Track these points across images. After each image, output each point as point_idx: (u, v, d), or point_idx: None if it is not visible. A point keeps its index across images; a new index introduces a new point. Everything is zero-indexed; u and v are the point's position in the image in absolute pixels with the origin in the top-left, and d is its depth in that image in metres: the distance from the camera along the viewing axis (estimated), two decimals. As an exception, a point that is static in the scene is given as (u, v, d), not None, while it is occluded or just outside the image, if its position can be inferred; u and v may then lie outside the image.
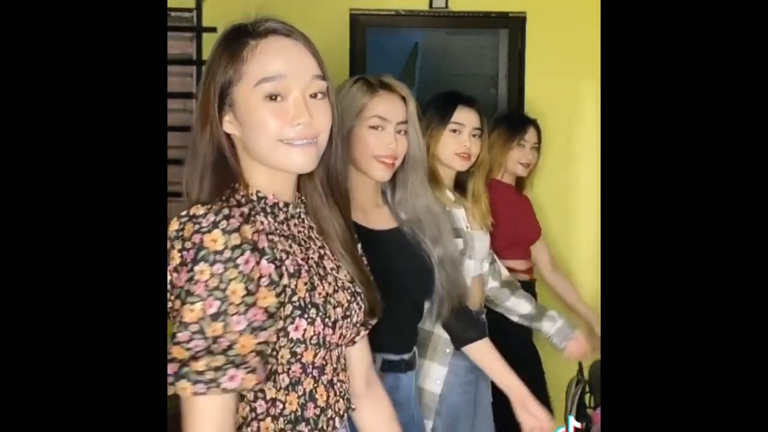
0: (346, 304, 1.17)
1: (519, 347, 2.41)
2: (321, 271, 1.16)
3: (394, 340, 1.71)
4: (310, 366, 1.15)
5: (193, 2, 3.14)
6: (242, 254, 1.01)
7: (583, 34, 3.00)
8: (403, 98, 1.66)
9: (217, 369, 1.00)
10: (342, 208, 1.25)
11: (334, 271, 1.20)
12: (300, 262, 1.13)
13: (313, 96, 1.13)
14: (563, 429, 1.42)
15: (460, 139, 2.13)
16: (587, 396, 2.58)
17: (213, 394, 1.01)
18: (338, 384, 1.21)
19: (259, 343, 1.03)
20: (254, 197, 1.14)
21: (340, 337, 1.17)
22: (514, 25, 3.28)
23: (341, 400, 1.22)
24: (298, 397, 1.13)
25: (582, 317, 2.83)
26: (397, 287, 1.66)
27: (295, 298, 1.09)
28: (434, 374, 2.01)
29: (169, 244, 1.03)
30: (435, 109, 2.16)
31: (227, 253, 1.00)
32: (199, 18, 3.16)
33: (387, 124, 1.63)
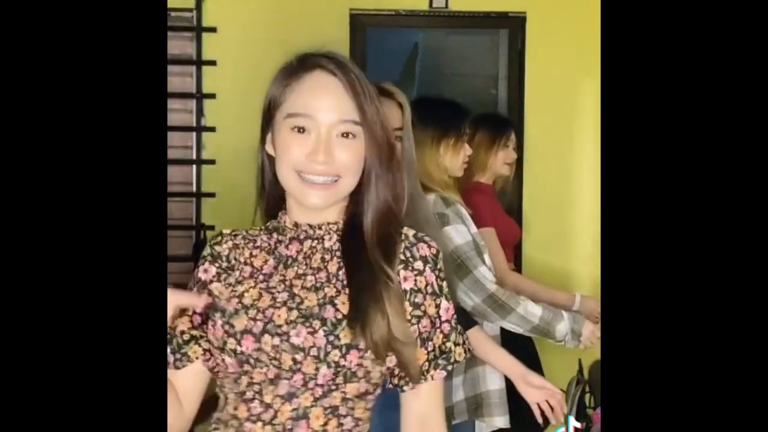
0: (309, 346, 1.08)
1: (518, 348, 2.41)
2: (294, 304, 1.10)
3: None
4: (283, 401, 1.09)
5: (193, 2, 3.14)
6: (222, 282, 1.17)
7: (583, 34, 3.01)
8: (400, 105, 1.67)
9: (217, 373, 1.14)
10: (385, 254, 1.12)
11: (321, 311, 1.09)
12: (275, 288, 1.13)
13: (344, 135, 1.11)
14: (563, 429, 1.42)
15: (466, 148, 2.15)
16: (587, 396, 2.58)
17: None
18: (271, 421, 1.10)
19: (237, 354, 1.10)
20: (279, 223, 1.19)
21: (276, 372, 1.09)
22: (514, 25, 3.28)
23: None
24: (263, 426, 1.09)
25: (562, 306, 2.76)
26: None
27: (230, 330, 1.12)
28: (493, 372, 2.03)
29: None
30: (452, 120, 2.12)
31: (213, 283, 1.18)
32: (199, 18, 3.16)
33: None
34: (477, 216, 2.42)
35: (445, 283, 1.15)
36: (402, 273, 1.11)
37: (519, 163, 3.14)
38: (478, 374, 2.03)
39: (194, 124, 3.16)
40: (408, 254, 1.13)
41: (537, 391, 1.86)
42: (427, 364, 1.13)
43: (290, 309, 1.09)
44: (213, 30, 3.15)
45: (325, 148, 1.09)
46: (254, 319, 1.08)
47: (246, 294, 1.12)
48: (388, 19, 3.26)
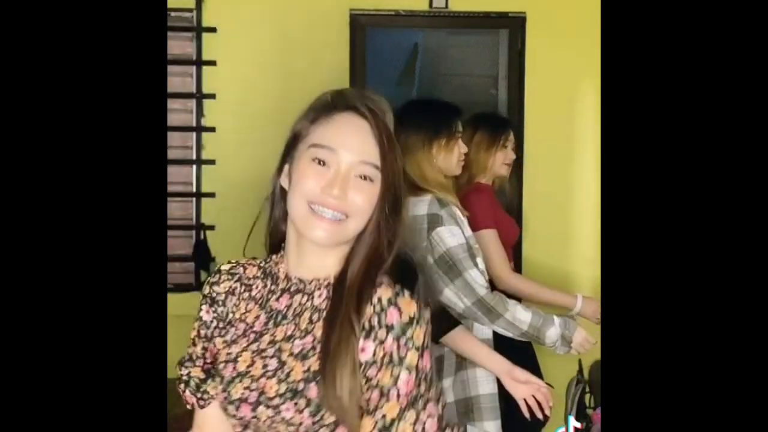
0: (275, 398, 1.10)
1: (514, 349, 2.41)
2: (273, 357, 1.12)
3: None
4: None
5: (193, 2, 3.14)
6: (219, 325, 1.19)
7: (583, 34, 3.00)
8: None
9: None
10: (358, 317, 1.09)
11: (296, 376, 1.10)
12: (253, 340, 1.15)
13: (363, 177, 1.11)
14: (563, 429, 1.41)
15: (460, 146, 2.15)
16: (587, 396, 2.58)
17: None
18: None
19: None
20: (270, 264, 1.20)
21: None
22: (514, 25, 3.28)
23: None
24: None
25: (564, 306, 2.75)
26: None
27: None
28: (485, 376, 2.03)
29: None
30: (441, 121, 2.13)
31: (214, 324, 1.21)
32: (199, 18, 3.16)
33: None
34: (478, 217, 2.42)
35: (411, 354, 1.06)
36: (362, 342, 1.06)
37: (519, 163, 3.14)
38: (468, 377, 2.02)
39: (194, 124, 3.15)
40: (375, 321, 1.07)
41: (523, 387, 1.86)
42: None
43: (280, 381, 1.09)
44: (213, 30, 3.14)
45: (341, 183, 1.08)
46: (248, 389, 1.11)
47: (240, 358, 1.14)
48: (388, 19, 3.26)
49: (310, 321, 1.11)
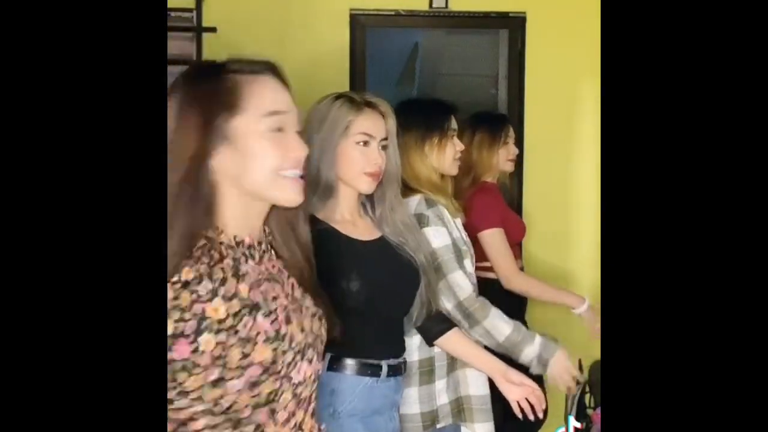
0: (319, 332, 1.22)
1: None
2: (296, 306, 1.19)
3: (397, 344, 1.76)
4: (305, 401, 1.18)
5: (193, 2, 3.14)
6: (242, 320, 1.05)
7: (583, 34, 3.01)
8: (383, 115, 1.71)
9: (214, 427, 1.05)
10: (304, 238, 1.25)
11: (304, 300, 1.22)
12: (287, 305, 1.15)
13: (298, 132, 1.17)
14: (563, 429, 1.42)
15: (455, 144, 2.14)
16: (587, 396, 2.58)
17: None
18: (309, 407, 1.22)
19: (254, 396, 1.07)
20: (233, 243, 1.12)
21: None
22: (514, 25, 3.28)
23: (316, 425, 1.24)
24: (291, 429, 1.15)
25: (569, 305, 2.75)
26: (394, 291, 1.72)
27: (293, 344, 1.12)
28: (476, 377, 2.02)
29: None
30: (434, 119, 2.12)
31: (229, 321, 1.04)
32: (199, 18, 3.16)
33: (372, 140, 1.68)
34: (485, 217, 2.42)
35: None
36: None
37: (519, 162, 3.14)
38: (459, 378, 2.01)
39: (194, 124, 3.16)
40: None
41: (517, 389, 1.85)
42: None
43: (302, 314, 1.23)
44: (213, 30, 3.15)
45: (303, 143, 1.17)
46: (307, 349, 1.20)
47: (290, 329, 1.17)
48: (388, 19, 3.26)
49: (283, 271, 1.21)
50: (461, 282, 1.96)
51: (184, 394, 1.02)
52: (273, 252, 1.21)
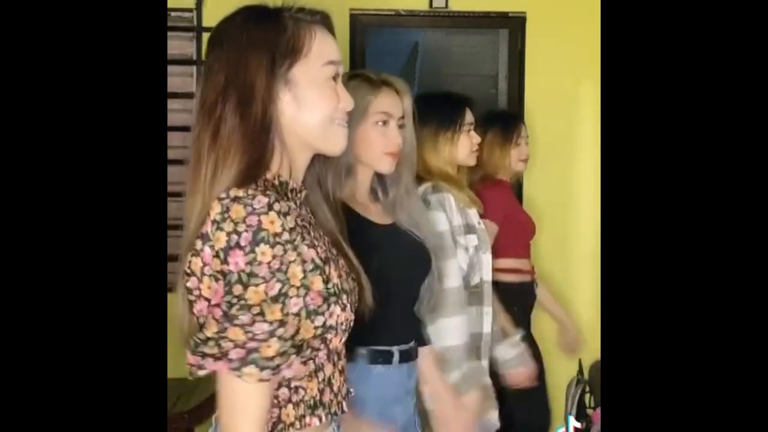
0: (354, 289, 1.17)
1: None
2: (332, 256, 1.16)
3: (408, 329, 1.72)
4: (334, 353, 1.15)
5: (193, 2, 3.14)
6: (297, 236, 1.02)
7: (583, 34, 3.00)
8: (399, 93, 1.69)
9: (282, 355, 1.00)
10: (334, 200, 1.27)
11: (338, 258, 1.19)
12: (326, 248, 1.13)
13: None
14: (563, 429, 1.41)
15: (471, 137, 2.15)
16: (587, 396, 2.58)
17: (274, 380, 1.02)
18: (343, 369, 1.22)
19: (316, 328, 1.03)
20: (277, 182, 1.13)
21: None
22: (514, 25, 3.28)
23: (345, 383, 1.22)
24: (318, 383, 1.14)
25: (557, 319, 2.86)
26: (408, 277, 1.71)
27: (330, 285, 1.07)
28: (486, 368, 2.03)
29: (209, 227, 1.01)
30: (447, 114, 2.14)
31: (285, 236, 1.01)
32: (199, 18, 3.16)
33: (391, 119, 1.66)
34: (486, 211, 2.42)
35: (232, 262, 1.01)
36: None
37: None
38: (477, 366, 2.00)
39: (194, 124, 3.16)
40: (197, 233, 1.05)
41: (461, 415, 1.78)
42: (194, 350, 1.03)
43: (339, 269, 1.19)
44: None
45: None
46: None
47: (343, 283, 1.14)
48: (388, 19, 3.26)
49: (316, 227, 1.18)
50: (450, 272, 1.93)
51: (246, 308, 0.99)
52: (307, 208, 1.21)
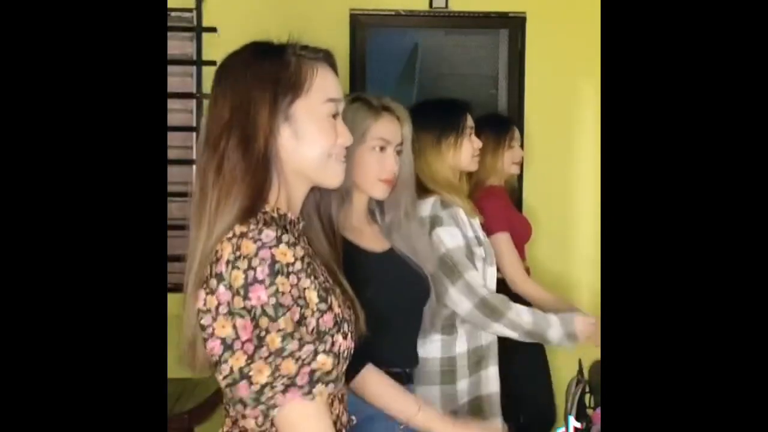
0: (352, 318, 1.20)
1: (528, 349, 2.41)
2: (331, 286, 1.18)
3: (401, 354, 1.72)
4: (331, 381, 1.13)
5: (193, 2, 3.14)
6: (306, 264, 1.07)
7: (583, 34, 3.01)
8: (399, 120, 1.69)
9: (335, 367, 1.07)
10: (331, 229, 1.31)
11: (335, 287, 1.21)
12: (325, 278, 1.16)
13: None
14: (563, 429, 1.41)
15: (473, 141, 2.15)
16: (587, 396, 2.58)
17: (332, 392, 1.08)
18: (343, 396, 1.23)
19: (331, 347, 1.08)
20: (276, 215, 1.15)
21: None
22: (514, 25, 3.28)
23: (346, 412, 1.24)
24: None
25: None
26: (404, 304, 1.70)
27: (335, 313, 1.11)
28: (496, 376, 2.07)
29: (224, 267, 1.03)
30: (449, 119, 2.14)
31: (298, 264, 1.05)
32: (199, 18, 3.16)
33: (389, 146, 1.66)
34: (492, 221, 2.42)
35: (248, 302, 1.03)
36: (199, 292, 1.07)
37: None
38: (482, 377, 2.03)
39: (194, 124, 3.16)
40: (207, 271, 1.07)
41: None
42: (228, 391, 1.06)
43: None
44: (213, 30, 3.14)
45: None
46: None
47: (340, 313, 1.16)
48: (388, 19, 3.26)
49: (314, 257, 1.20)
50: (479, 280, 1.98)
51: (288, 337, 1.02)
52: (306, 238, 1.24)
